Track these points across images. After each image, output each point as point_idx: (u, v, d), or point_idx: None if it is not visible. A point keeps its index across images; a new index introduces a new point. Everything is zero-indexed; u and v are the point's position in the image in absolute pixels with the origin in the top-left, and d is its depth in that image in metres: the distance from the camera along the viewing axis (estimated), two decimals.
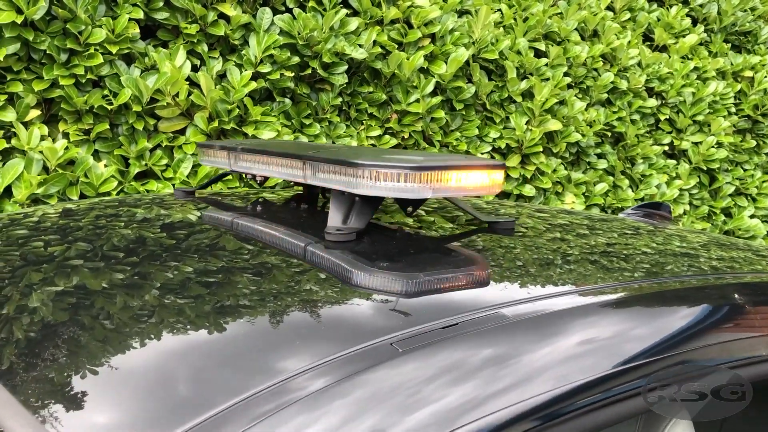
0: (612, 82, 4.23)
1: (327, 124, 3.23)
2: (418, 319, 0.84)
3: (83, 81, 2.69)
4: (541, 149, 3.83)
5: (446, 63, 3.46)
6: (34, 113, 2.63)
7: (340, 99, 3.25)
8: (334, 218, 1.20)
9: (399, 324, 0.83)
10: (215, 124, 2.87)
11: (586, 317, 0.93)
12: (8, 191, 2.52)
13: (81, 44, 2.66)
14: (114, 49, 2.68)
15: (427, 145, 3.54)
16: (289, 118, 3.13)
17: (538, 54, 4.00)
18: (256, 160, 1.43)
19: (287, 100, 3.11)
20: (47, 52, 2.61)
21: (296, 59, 3.06)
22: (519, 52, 3.82)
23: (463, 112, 3.64)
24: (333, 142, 3.21)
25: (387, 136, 3.39)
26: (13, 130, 2.55)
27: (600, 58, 4.23)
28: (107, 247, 1.17)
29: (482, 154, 3.67)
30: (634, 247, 1.42)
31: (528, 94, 3.82)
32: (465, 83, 3.60)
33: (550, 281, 1.07)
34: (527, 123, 3.77)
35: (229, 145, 1.55)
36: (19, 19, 2.49)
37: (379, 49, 3.28)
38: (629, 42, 4.45)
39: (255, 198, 1.68)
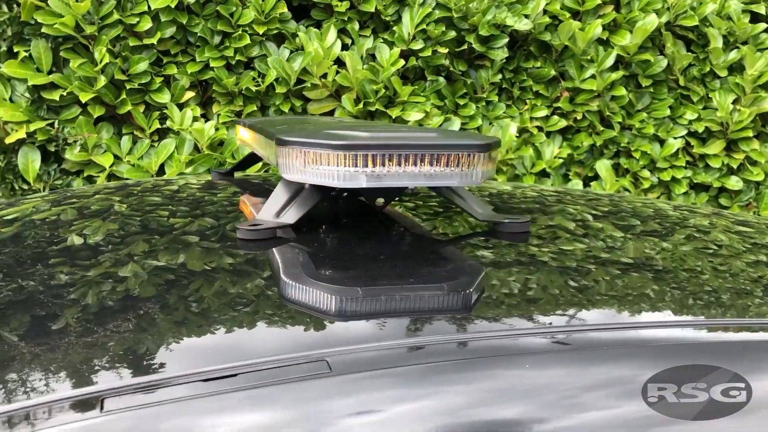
0: None
1: (484, 104, 2.96)
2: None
3: (233, 63, 2.71)
4: (753, 134, 3.19)
5: (631, 32, 3.00)
6: (189, 95, 2.71)
7: (500, 76, 2.95)
8: (267, 209, 0.97)
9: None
10: (361, 105, 2.75)
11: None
12: (162, 169, 2.63)
13: (233, 26, 2.68)
14: (261, 30, 2.66)
15: (603, 128, 3.10)
16: (443, 98, 2.90)
17: (756, 18, 3.32)
18: (254, 138, 1.24)
19: (441, 79, 2.89)
20: (200, 34, 2.66)
21: (452, 34, 2.82)
22: (729, 17, 3.20)
23: (652, 90, 3.14)
24: (491, 124, 2.93)
25: (555, 117, 3.03)
26: (165, 111, 2.64)
27: None
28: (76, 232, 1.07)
29: (675, 138, 3.14)
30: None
31: (738, 68, 3.19)
32: (655, 55, 3.10)
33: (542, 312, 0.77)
34: (734, 102, 3.15)
35: (248, 122, 1.38)
36: (173, 3, 2.56)
37: (548, 20, 2.92)
38: None
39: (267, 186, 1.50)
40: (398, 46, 2.79)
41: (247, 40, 2.66)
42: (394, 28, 2.82)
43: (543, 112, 2.98)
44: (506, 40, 2.85)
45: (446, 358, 0.65)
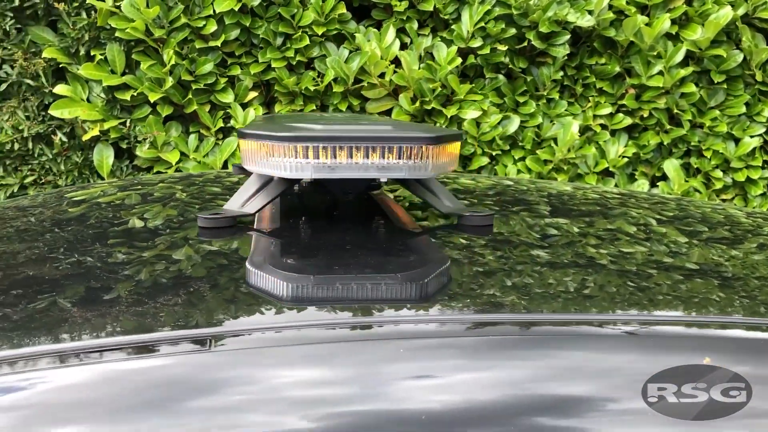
0: None
1: (545, 102, 2.91)
2: None
3: (294, 63, 2.78)
4: None
5: (703, 26, 2.87)
6: (252, 95, 2.80)
7: (561, 73, 2.89)
8: (234, 199, 1.02)
9: None
10: (417, 104, 2.76)
11: None
12: (226, 166, 2.73)
13: (294, 27, 2.75)
14: (320, 31, 2.72)
15: (672, 127, 2.99)
16: (502, 96, 2.87)
17: None
18: None
19: (500, 77, 2.86)
20: (263, 36, 2.74)
21: (512, 31, 2.79)
22: None
23: (725, 86, 2.99)
24: (551, 122, 2.88)
25: (620, 115, 2.94)
26: (229, 111, 2.75)
27: None
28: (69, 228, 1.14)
29: (752, 137, 2.98)
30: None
31: None
32: (730, 50, 2.95)
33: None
34: None
35: (258, 118, 1.43)
36: (237, 6, 2.65)
37: (613, 15, 2.83)
38: None
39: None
40: (457, 45, 2.78)
41: (307, 41, 2.73)
42: (453, 27, 2.81)
43: (607, 110, 2.90)
44: (567, 36, 2.79)
45: (398, 340, 0.67)
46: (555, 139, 2.84)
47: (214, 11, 2.66)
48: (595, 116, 2.92)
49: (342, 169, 0.88)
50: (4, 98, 2.75)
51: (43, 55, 2.65)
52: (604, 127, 2.95)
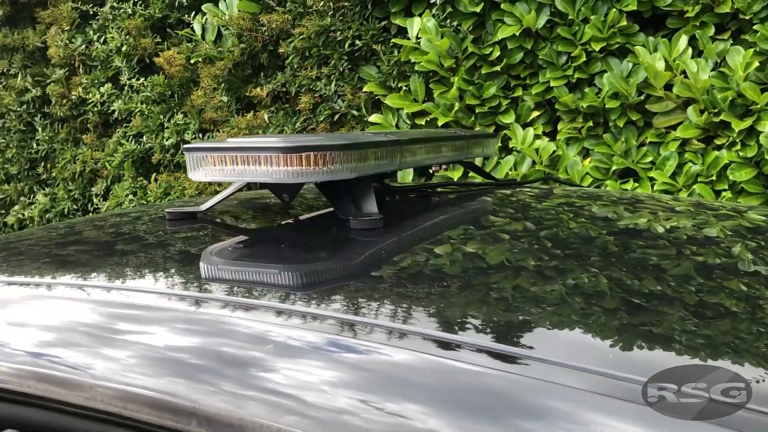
0: None
1: None
2: None
3: (573, 81, 2.78)
4: None
5: None
6: (534, 114, 2.90)
7: None
8: (210, 200, 1.23)
9: None
10: (705, 116, 2.49)
11: None
12: None
13: (575, 46, 2.76)
14: (597, 47, 2.67)
15: None
16: None
17: None
18: None
19: None
20: (543, 57, 2.82)
21: None
22: None
23: None
24: None
25: None
26: (506, 132, 2.89)
27: None
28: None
29: None
30: None
31: None
32: None
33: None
34: None
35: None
36: (518, 31, 2.79)
37: None
38: None
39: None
40: (761, 47, 2.43)
41: (584, 58, 2.70)
42: (756, 27, 2.46)
43: None
44: None
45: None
46: None
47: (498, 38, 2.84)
48: None
49: (233, 174, 1.03)
50: (339, 127, 3.38)
51: (365, 89, 3.19)
52: None
